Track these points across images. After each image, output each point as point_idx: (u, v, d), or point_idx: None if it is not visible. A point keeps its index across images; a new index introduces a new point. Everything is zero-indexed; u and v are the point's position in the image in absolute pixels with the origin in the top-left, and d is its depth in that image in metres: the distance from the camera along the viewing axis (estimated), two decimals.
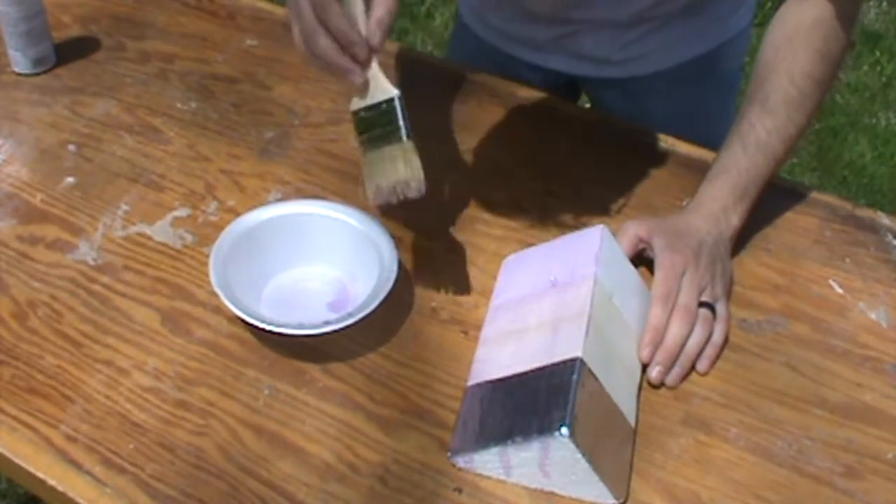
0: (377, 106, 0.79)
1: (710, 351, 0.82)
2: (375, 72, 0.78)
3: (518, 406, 0.73)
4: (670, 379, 0.80)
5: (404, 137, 0.78)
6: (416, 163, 0.78)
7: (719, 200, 0.89)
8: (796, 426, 0.78)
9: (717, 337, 0.83)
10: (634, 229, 0.88)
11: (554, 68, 1.16)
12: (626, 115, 1.12)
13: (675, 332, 0.81)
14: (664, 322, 0.81)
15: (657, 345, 0.81)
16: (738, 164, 0.89)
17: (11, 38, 1.10)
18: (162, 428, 0.77)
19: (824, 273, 0.91)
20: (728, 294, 0.87)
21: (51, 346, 0.83)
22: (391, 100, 0.78)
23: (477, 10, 1.21)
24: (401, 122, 0.78)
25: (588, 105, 1.30)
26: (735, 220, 0.89)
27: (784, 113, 0.90)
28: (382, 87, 0.79)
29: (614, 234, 0.86)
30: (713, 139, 0.97)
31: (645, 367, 0.81)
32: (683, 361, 0.81)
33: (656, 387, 0.80)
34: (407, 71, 1.15)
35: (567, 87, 1.22)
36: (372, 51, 0.77)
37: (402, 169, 0.78)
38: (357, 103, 0.79)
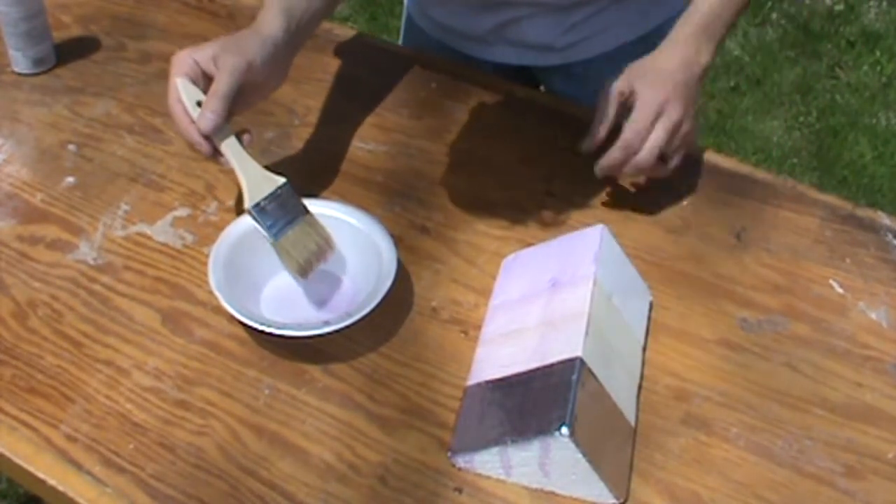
0: (272, 194, 0.85)
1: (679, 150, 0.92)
2: (253, 165, 0.86)
3: (518, 406, 0.73)
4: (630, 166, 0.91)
5: (304, 213, 0.86)
6: (322, 230, 0.86)
7: (692, 43, 0.95)
8: (797, 426, 0.78)
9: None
10: (616, 85, 0.93)
11: (498, 60, 1.16)
12: (575, 99, 1.12)
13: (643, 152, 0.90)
14: (637, 141, 0.89)
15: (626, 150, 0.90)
16: (711, 6, 0.96)
17: (11, 38, 1.10)
18: (162, 428, 0.77)
19: (825, 273, 0.91)
20: (695, 125, 0.94)
21: (51, 346, 0.83)
22: (284, 184, 0.86)
23: (422, 5, 1.21)
24: (299, 200, 0.86)
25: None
26: (705, 58, 0.95)
27: None
28: (267, 177, 0.86)
29: (614, 233, 0.86)
30: None
31: (640, 376, 0.81)
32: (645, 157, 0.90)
33: (654, 390, 0.80)
34: (405, 71, 1.15)
35: (519, 78, 1.21)
36: (210, 140, 0.85)
37: (314, 240, 0.85)
38: (252, 199, 0.84)
